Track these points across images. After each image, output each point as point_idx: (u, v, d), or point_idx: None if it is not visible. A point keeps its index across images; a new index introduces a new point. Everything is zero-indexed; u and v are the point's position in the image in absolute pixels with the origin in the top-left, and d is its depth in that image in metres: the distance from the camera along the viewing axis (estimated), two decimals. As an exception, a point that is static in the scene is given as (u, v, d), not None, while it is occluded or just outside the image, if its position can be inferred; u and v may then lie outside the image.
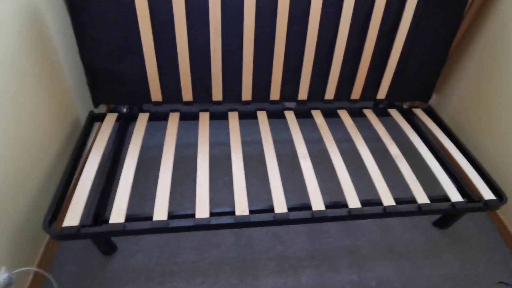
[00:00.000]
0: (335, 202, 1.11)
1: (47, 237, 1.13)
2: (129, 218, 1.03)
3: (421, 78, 1.48)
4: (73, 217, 0.96)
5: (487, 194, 1.14)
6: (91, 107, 1.51)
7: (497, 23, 1.39)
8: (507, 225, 1.36)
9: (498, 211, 1.41)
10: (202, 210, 1.00)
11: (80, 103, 1.41)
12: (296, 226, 1.32)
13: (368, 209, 1.06)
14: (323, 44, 1.31)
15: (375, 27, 1.29)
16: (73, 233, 0.92)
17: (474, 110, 1.54)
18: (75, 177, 1.20)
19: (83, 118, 1.42)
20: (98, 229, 0.94)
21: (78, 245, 1.19)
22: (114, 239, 1.20)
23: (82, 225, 0.95)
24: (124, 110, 1.38)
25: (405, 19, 1.29)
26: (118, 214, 0.97)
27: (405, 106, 1.55)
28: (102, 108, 1.62)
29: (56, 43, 1.19)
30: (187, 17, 1.17)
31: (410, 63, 1.42)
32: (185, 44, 1.22)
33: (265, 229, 1.30)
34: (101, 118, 1.33)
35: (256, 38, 1.26)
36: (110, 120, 1.30)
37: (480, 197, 1.15)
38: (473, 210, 1.13)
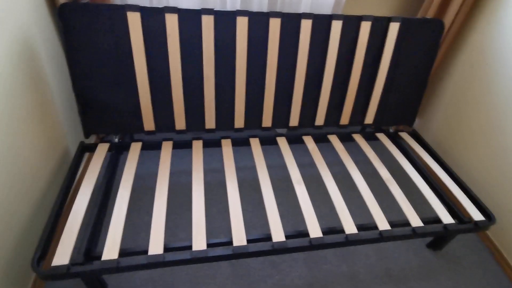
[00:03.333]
0: (332, 228, 1.12)
1: (34, 275, 1.06)
2: (122, 253, 0.99)
3: (405, 104, 1.56)
4: (62, 254, 0.91)
5: (476, 215, 1.18)
6: (81, 137, 1.49)
7: (471, 51, 1.50)
8: (496, 243, 1.40)
9: (488, 231, 1.45)
10: (199, 242, 0.98)
11: (70, 133, 1.38)
12: (293, 253, 1.30)
13: (365, 234, 1.07)
14: (312, 74, 1.37)
15: (360, 58, 1.37)
16: (63, 273, 0.88)
17: (454, 132, 1.62)
18: (64, 210, 1.16)
19: (73, 148, 1.40)
20: (90, 267, 0.90)
21: (66, 282, 1.12)
22: (106, 275, 1.15)
23: (72, 263, 0.91)
24: (116, 140, 1.37)
25: (386, 51, 1.37)
26: (111, 249, 0.94)
27: (391, 130, 1.62)
28: (92, 139, 1.60)
29: (48, 72, 1.19)
30: (181, 47, 1.21)
31: (393, 90, 1.50)
32: (178, 74, 1.25)
33: (261, 257, 1.28)
34: (91, 148, 1.31)
35: (248, 68, 1.30)
36: (101, 151, 1.28)
37: (469, 218, 1.18)
38: (464, 231, 1.16)
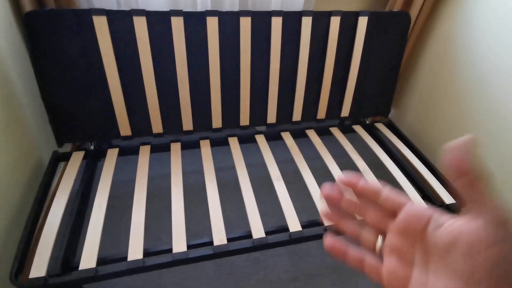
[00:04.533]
0: (311, 221, 1.14)
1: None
2: (101, 261, 0.98)
3: (379, 95, 1.60)
4: (39, 266, 0.90)
5: (447, 198, 1.23)
6: (55, 146, 1.46)
7: (438, 42, 1.56)
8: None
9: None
10: (179, 244, 0.98)
11: (43, 143, 1.35)
12: (277, 248, 1.32)
13: (343, 225, 1.10)
14: (286, 70, 1.39)
15: (332, 53, 1.39)
16: (41, 285, 0.86)
17: (428, 121, 1.67)
18: (40, 222, 1.13)
19: (47, 159, 1.36)
20: (67, 277, 0.89)
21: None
22: (87, 285, 1.13)
23: (49, 274, 0.89)
24: (92, 147, 1.35)
25: (357, 45, 1.40)
26: (89, 258, 0.93)
27: (367, 122, 1.65)
28: (67, 147, 1.56)
29: (14, 80, 1.15)
30: (152, 50, 1.20)
31: (367, 82, 1.53)
32: (151, 77, 1.24)
33: (246, 254, 1.29)
34: (66, 157, 1.29)
35: (222, 68, 1.30)
36: (76, 159, 1.26)
37: (442, 202, 1.23)
38: (438, 215, 1.20)
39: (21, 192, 1.13)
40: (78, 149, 1.31)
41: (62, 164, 1.43)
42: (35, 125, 1.29)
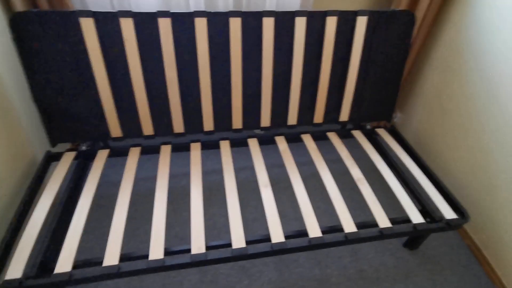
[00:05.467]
0: (296, 231, 1.09)
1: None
2: (78, 264, 0.98)
3: (381, 99, 1.51)
4: (16, 268, 0.90)
5: (449, 214, 1.14)
6: (49, 146, 1.48)
7: (446, 45, 1.45)
8: (477, 242, 1.35)
9: (467, 228, 1.40)
10: (156, 251, 0.96)
11: (38, 143, 1.37)
12: (263, 258, 1.28)
13: (329, 237, 1.04)
14: (279, 72, 1.34)
15: (328, 55, 1.33)
16: (15, 287, 0.87)
17: (434, 128, 1.57)
18: (25, 223, 1.15)
19: (39, 158, 1.38)
20: (42, 280, 0.89)
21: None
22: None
23: (26, 277, 0.90)
24: (84, 147, 1.35)
25: (356, 46, 1.33)
26: (65, 261, 0.92)
27: (368, 127, 1.57)
28: (62, 147, 1.59)
29: (7, 81, 1.17)
30: (140, 51, 1.18)
31: (367, 85, 1.45)
32: (140, 78, 1.22)
33: (231, 263, 1.26)
34: (59, 157, 1.30)
35: (212, 69, 1.27)
36: (66, 160, 1.27)
37: (441, 217, 1.14)
38: (435, 230, 1.12)
39: (12, 192, 1.15)
40: (69, 149, 1.32)
41: (55, 164, 1.45)
42: (29, 126, 1.31)
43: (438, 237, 1.41)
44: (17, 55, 1.23)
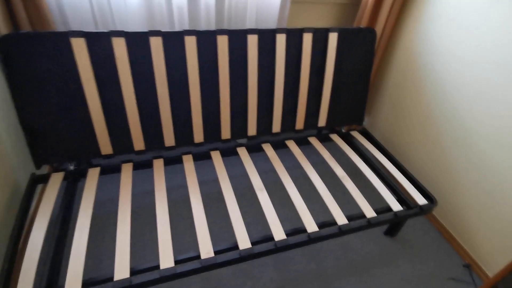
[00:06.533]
0: (295, 228, 1.18)
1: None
2: (86, 283, 0.96)
3: (352, 105, 1.69)
4: (20, 294, 0.87)
5: (420, 200, 1.31)
6: (32, 168, 1.42)
7: (403, 53, 1.68)
8: (444, 223, 1.55)
9: (435, 213, 1.60)
10: (166, 260, 0.98)
11: (21, 166, 1.31)
12: (262, 257, 1.34)
13: (325, 231, 1.15)
14: (263, 84, 1.44)
15: (306, 67, 1.47)
16: (22, 313, 0.84)
17: (398, 127, 1.78)
18: (21, 248, 1.10)
19: (23, 181, 1.33)
20: (52, 302, 0.87)
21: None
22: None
23: (32, 301, 0.87)
24: (71, 167, 1.33)
25: (329, 58, 1.49)
26: (73, 281, 0.91)
27: (343, 130, 1.74)
28: (45, 169, 1.52)
29: (-10, 107, 1.13)
30: (132, 69, 1.22)
31: (340, 93, 1.62)
32: (132, 95, 1.25)
33: (232, 266, 1.30)
34: (44, 179, 1.26)
35: (202, 84, 1.34)
36: (55, 180, 1.23)
37: (415, 204, 1.31)
38: (411, 216, 1.28)
39: (-3, 218, 1.10)
40: (56, 170, 1.29)
41: (40, 186, 1.40)
42: (12, 149, 1.26)
43: (412, 224, 1.59)
44: (3, 77, 1.19)
